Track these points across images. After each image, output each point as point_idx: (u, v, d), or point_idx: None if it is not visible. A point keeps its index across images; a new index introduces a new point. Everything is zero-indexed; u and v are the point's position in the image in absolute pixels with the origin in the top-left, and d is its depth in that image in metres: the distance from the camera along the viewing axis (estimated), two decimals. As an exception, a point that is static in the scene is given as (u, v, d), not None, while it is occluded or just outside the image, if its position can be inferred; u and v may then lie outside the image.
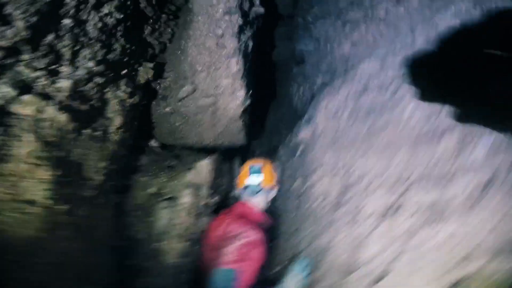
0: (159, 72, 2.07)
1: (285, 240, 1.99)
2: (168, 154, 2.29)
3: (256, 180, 1.72)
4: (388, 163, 1.44)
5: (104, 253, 1.77)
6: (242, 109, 1.99)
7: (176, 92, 1.97)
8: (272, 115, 3.47)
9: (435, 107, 1.35)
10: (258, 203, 1.72)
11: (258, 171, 1.75)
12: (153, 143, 2.35)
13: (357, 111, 1.69)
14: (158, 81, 2.12)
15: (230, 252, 1.43)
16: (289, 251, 1.83)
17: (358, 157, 1.60)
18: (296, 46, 2.91)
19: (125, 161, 1.83)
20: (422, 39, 1.54)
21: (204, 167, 1.79)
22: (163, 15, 1.96)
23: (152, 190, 1.96)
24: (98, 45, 1.37)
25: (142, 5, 1.74)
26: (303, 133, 2.06)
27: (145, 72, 1.86)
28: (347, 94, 1.79)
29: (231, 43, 1.82)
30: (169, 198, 1.76)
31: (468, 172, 1.16)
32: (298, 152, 2.16)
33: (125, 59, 1.62)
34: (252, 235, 1.49)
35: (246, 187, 1.74)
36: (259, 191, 1.69)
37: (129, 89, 1.68)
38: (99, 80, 1.41)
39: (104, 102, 1.51)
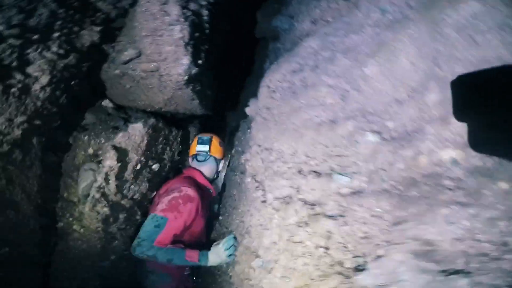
0: (112, 35, 2.03)
1: (226, 215, 2.03)
2: (118, 115, 2.29)
3: (203, 149, 1.91)
4: (296, 147, 1.41)
5: (30, 216, 1.85)
6: (186, 77, 1.94)
7: (123, 55, 1.94)
8: (247, 89, 3.42)
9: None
10: (205, 170, 1.91)
11: (206, 142, 1.94)
12: (107, 103, 2.35)
13: (288, 90, 1.61)
14: (112, 44, 2.09)
15: (163, 201, 1.61)
16: (226, 227, 1.90)
17: (277, 138, 1.56)
18: (272, 23, 2.78)
19: (59, 118, 1.84)
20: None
21: (135, 131, 1.78)
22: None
23: (90, 151, 1.99)
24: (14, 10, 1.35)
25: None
26: (249, 110, 2.01)
27: (89, 36, 1.83)
28: (285, 72, 1.70)
29: (174, 10, 1.74)
30: (98, 161, 1.77)
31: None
32: (248, 129, 2.14)
33: (56, 23, 1.59)
34: (185, 191, 1.64)
35: (194, 155, 1.95)
36: (206, 159, 1.90)
37: (61, 51, 1.66)
38: (14, 42, 1.40)
39: (24, 62, 1.50)
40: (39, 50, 1.55)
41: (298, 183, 1.39)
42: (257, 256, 1.46)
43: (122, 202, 1.79)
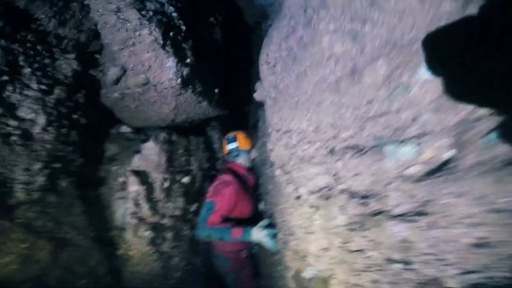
0: (94, 59, 1.91)
1: (270, 212, 1.88)
2: (138, 138, 2.22)
3: (232, 147, 2.11)
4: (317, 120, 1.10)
5: (90, 247, 1.93)
6: (179, 80, 1.73)
7: (109, 76, 1.80)
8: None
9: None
10: (240, 163, 2.13)
11: (233, 140, 2.12)
12: (124, 129, 2.29)
13: (288, 57, 1.27)
14: (99, 68, 1.97)
15: (210, 190, 1.89)
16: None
17: (292, 116, 1.27)
18: (255, 2, 2.36)
19: (80, 155, 1.82)
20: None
21: (149, 150, 1.66)
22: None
23: (121, 179, 1.96)
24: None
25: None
26: (257, 95, 1.73)
27: (68, 64, 1.71)
28: (278, 40, 1.35)
29: (132, 15, 1.51)
30: (125, 188, 1.72)
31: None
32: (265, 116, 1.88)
33: (18, 59, 1.49)
34: (223, 178, 1.93)
35: (228, 153, 2.16)
36: (238, 154, 2.11)
37: (43, 86, 1.57)
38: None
39: (8, 106, 1.45)
40: (17, 90, 1.48)
41: (334, 167, 1.07)
42: (308, 264, 1.25)
43: (163, 222, 1.73)
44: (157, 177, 1.73)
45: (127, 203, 1.64)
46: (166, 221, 1.82)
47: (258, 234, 1.72)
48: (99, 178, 2.07)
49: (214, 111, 2.16)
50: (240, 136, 2.13)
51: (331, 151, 1.11)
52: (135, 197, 1.62)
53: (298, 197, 1.28)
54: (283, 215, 1.52)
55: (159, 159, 1.73)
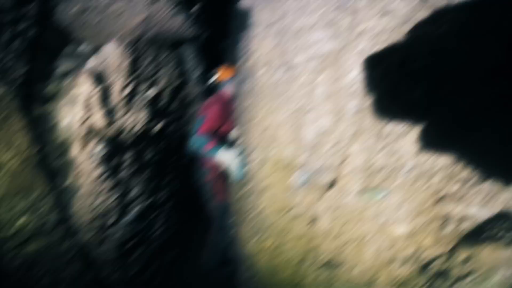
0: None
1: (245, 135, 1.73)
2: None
3: (214, 78, 2.32)
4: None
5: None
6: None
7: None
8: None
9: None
10: (225, 91, 2.29)
11: (214, 73, 2.31)
12: (84, 47, 2.00)
13: None
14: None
15: (203, 107, 2.20)
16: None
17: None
18: None
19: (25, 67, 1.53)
20: None
21: (109, 51, 1.41)
22: None
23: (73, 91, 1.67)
24: None
25: None
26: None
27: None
28: None
29: None
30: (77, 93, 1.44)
31: None
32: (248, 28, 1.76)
33: None
34: (212, 97, 2.24)
35: (217, 84, 2.38)
36: (225, 84, 2.28)
37: None
38: None
39: None
40: None
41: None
42: (297, 168, 1.12)
43: (120, 137, 1.47)
44: (116, 80, 1.47)
45: (76, 108, 1.35)
46: (124, 138, 1.55)
47: (225, 154, 1.85)
48: (49, 94, 1.75)
49: (190, 30, 1.95)
50: (223, 68, 2.32)
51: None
52: (86, 99, 1.34)
53: (294, 77, 1.16)
54: (264, 121, 1.37)
55: (120, 61, 1.48)
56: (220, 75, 2.27)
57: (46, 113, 1.69)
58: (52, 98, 1.74)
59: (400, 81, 1.01)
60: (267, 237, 1.41)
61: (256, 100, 1.45)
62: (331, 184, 1.13)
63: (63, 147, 1.68)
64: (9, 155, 1.58)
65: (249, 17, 1.62)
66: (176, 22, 1.89)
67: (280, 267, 1.41)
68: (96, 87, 1.35)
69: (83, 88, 1.33)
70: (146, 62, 1.76)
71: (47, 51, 1.84)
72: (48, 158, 1.73)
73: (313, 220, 1.24)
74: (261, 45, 1.39)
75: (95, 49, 2.00)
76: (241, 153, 1.75)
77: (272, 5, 1.33)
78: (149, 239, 2.10)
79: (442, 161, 0.98)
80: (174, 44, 2.11)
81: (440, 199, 1.01)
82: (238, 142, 1.81)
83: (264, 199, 1.41)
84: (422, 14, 0.99)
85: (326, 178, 1.13)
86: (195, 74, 2.40)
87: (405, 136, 1.01)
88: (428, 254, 1.06)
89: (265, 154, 1.40)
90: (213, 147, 1.89)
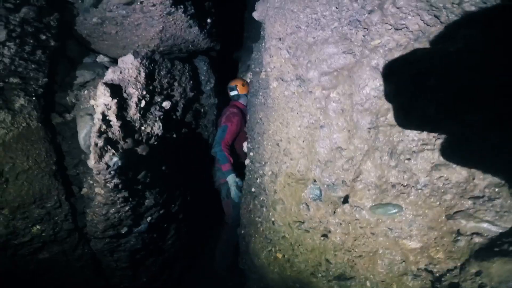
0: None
1: (257, 147, 1.74)
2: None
3: (233, 93, 2.70)
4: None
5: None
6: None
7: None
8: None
9: None
10: (241, 103, 2.68)
11: (234, 88, 2.69)
12: (102, 58, 2.07)
13: None
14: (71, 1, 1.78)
15: (223, 118, 2.49)
16: (258, 161, 1.69)
17: (304, 4, 1.18)
18: None
19: (43, 73, 1.58)
20: None
21: (127, 63, 1.45)
22: None
23: (92, 102, 1.72)
24: None
25: None
26: (258, 13, 1.62)
27: None
28: None
29: None
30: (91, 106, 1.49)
31: None
32: (263, 40, 1.80)
33: None
34: (232, 109, 2.54)
35: (232, 96, 2.74)
36: (239, 98, 2.70)
37: (9, 5, 1.39)
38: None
39: None
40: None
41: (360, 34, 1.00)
42: (309, 182, 1.13)
43: (137, 149, 1.50)
44: (133, 93, 1.51)
45: (94, 119, 1.39)
46: (140, 150, 1.59)
47: (232, 179, 2.29)
48: (68, 104, 1.80)
49: (204, 41, 2.00)
50: (239, 83, 2.70)
51: (355, 22, 1.06)
52: (104, 111, 1.38)
53: (304, 91, 1.17)
54: (275, 135, 1.39)
55: (137, 73, 1.52)
56: (238, 89, 2.63)
57: (64, 123, 1.75)
58: (71, 108, 1.80)
59: (413, 97, 1.02)
60: (279, 249, 1.42)
61: (268, 113, 1.48)
62: (345, 199, 1.14)
63: (80, 157, 1.73)
64: (27, 164, 1.64)
65: (262, 30, 1.66)
66: (191, 34, 1.93)
67: (292, 279, 1.41)
68: (113, 98, 1.38)
69: (101, 99, 1.36)
70: (162, 74, 1.80)
71: (66, 62, 1.90)
72: (65, 168, 1.79)
73: (326, 234, 1.25)
74: (274, 58, 1.41)
75: (113, 60, 2.09)
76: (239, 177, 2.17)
77: (285, 18, 1.36)
78: (161, 248, 2.12)
79: (455, 178, 0.99)
80: (189, 55, 2.16)
81: (453, 215, 1.01)
82: (250, 155, 1.83)
83: (277, 212, 1.43)
84: (435, 30, 1.00)
85: (339, 193, 1.14)
86: (209, 85, 2.44)
87: (418, 153, 1.02)
88: (440, 268, 1.06)
89: (278, 168, 1.42)
90: (227, 170, 2.27)
